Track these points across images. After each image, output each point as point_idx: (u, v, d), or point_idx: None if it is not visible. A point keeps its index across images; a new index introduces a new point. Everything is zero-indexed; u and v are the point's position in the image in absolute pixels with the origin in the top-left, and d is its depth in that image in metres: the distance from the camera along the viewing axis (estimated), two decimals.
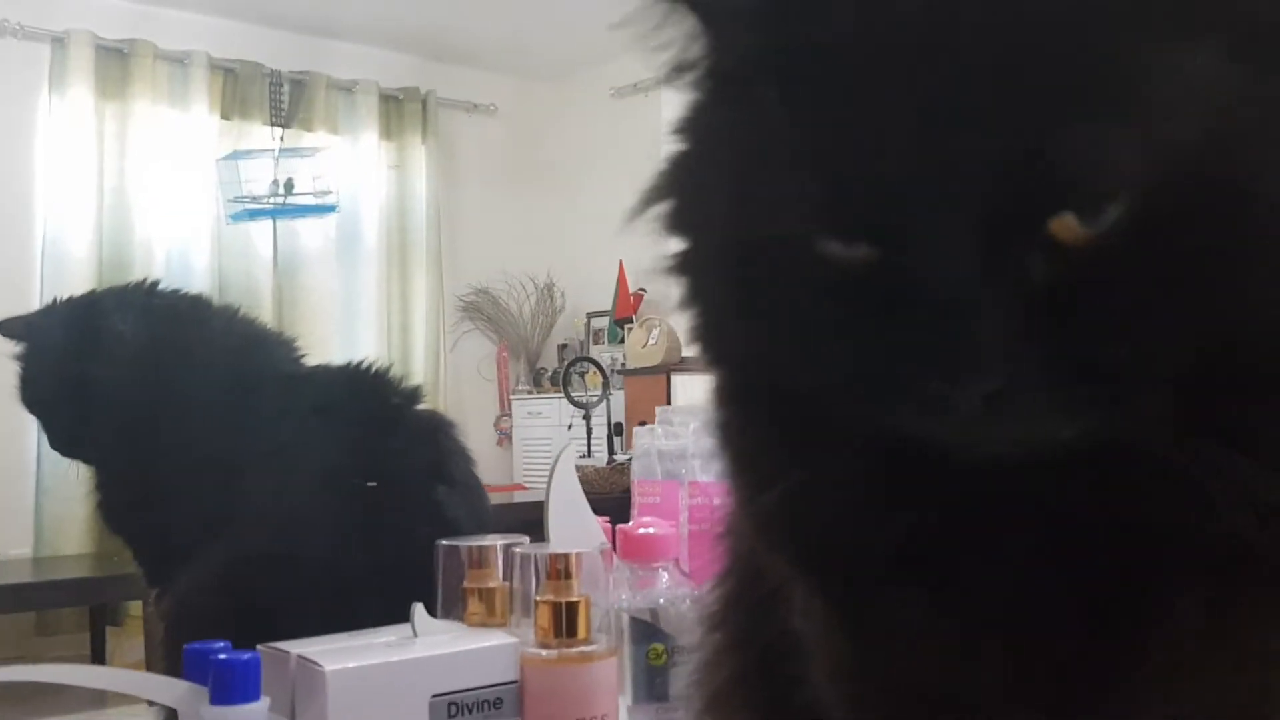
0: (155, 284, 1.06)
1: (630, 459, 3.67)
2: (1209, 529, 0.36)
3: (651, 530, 0.83)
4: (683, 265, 0.43)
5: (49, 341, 1.03)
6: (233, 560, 0.89)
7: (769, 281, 0.38)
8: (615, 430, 4.10)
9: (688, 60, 0.41)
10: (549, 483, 0.81)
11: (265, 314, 4.33)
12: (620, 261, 4.45)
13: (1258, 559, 0.36)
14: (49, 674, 0.67)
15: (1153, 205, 0.33)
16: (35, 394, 1.05)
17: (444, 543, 0.83)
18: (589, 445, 3.99)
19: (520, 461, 4.96)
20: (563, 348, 5.15)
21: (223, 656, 0.67)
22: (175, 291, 1.06)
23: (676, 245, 0.43)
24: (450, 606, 0.84)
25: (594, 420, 4.00)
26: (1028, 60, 0.33)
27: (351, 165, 4.55)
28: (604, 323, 5.00)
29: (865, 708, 0.43)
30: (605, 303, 4.86)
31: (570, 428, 4.15)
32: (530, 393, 5.08)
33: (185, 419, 0.93)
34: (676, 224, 0.43)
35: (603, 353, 4.81)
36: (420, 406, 0.98)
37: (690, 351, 0.47)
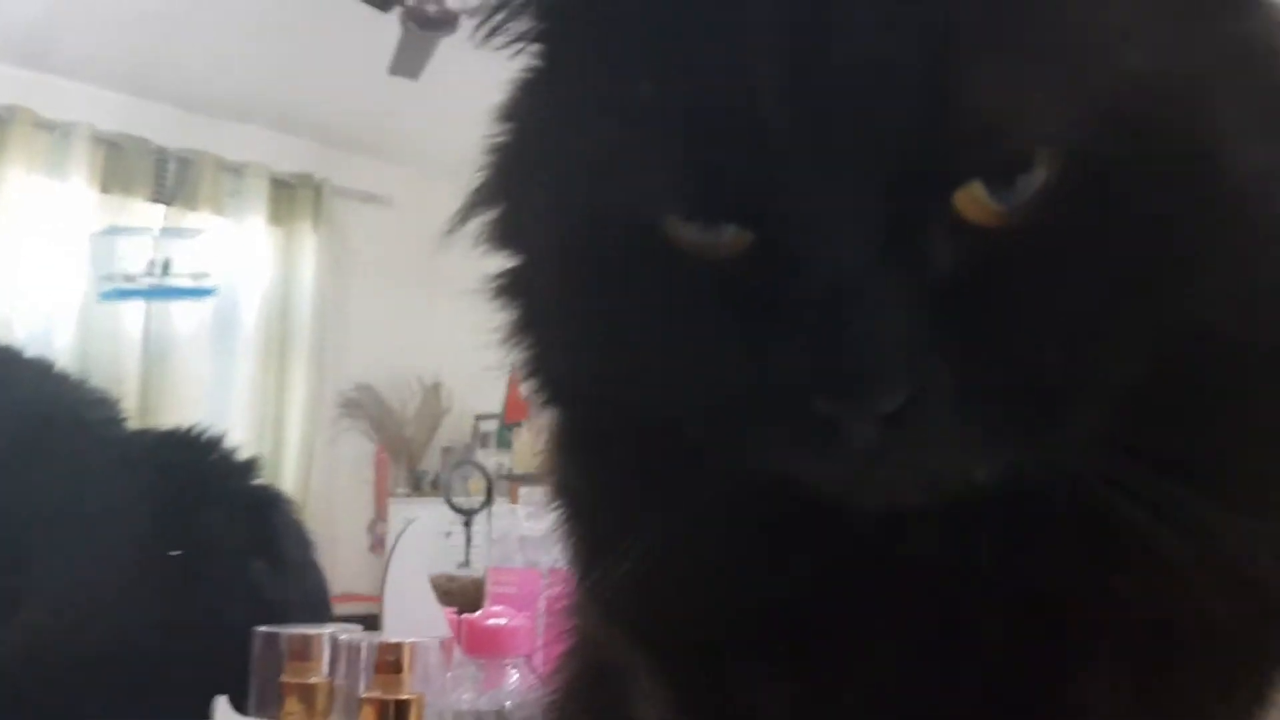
0: None
1: None
2: (1151, 596, 0.29)
3: (502, 621, 0.73)
4: (512, 283, 0.36)
5: None
6: (15, 643, 0.76)
7: (615, 284, 0.31)
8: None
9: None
10: (387, 560, 0.71)
11: (130, 399, 4.10)
12: (512, 364, 4.37)
13: (1192, 629, 0.29)
14: None
15: (1080, 172, 0.26)
16: None
17: (262, 630, 0.73)
18: (468, 554, 3.83)
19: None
20: (446, 451, 5.00)
21: None
22: None
23: (504, 261, 0.36)
24: (265, 703, 0.73)
25: (474, 529, 3.86)
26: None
27: (235, 249, 4.40)
28: (493, 426, 4.88)
29: None
30: (495, 405, 4.75)
31: (449, 535, 3.99)
32: (408, 496, 4.90)
33: None
34: (503, 232, 0.36)
35: (489, 457, 4.67)
36: (254, 480, 0.88)
37: (525, 390, 0.39)
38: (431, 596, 0.73)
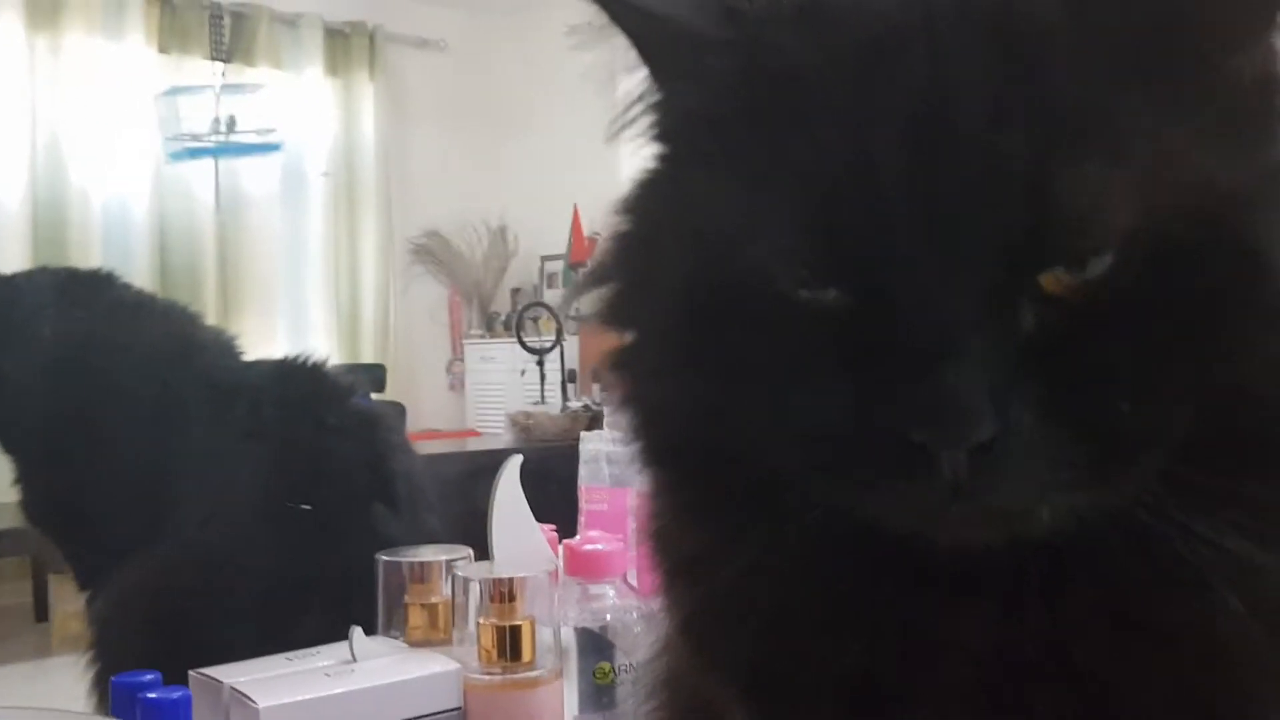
0: (108, 274, 1.03)
1: (583, 406, 3.62)
2: (1200, 622, 0.33)
3: (599, 546, 0.81)
4: (623, 360, 0.40)
5: None
6: (162, 570, 0.86)
7: (729, 336, 0.35)
8: (569, 377, 4.09)
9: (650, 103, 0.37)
10: (492, 496, 0.78)
11: (208, 259, 4.24)
12: (575, 205, 4.38)
13: (1246, 665, 0.34)
14: None
15: (1139, 256, 0.32)
16: None
17: (384, 557, 0.81)
18: (542, 391, 3.98)
19: (473, 407, 4.94)
20: (516, 292, 5.10)
21: (151, 695, 0.64)
22: (125, 285, 1.02)
23: (621, 339, 0.40)
24: (391, 622, 0.81)
25: (547, 366, 3.98)
26: (1022, 103, 0.31)
27: (296, 103, 4.41)
28: (558, 267, 4.95)
29: None
30: (560, 246, 4.80)
31: (524, 373, 4.13)
32: (483, 337, 5.04)
33: (114, 421, 0.90)
34: (616, 310, 0.40)
35: (557, 297, 4.76)
36: (357, 399, 0.95)
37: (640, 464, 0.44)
38: (533, 525, 0.80)
